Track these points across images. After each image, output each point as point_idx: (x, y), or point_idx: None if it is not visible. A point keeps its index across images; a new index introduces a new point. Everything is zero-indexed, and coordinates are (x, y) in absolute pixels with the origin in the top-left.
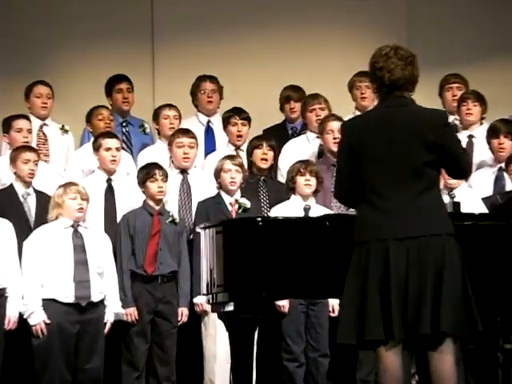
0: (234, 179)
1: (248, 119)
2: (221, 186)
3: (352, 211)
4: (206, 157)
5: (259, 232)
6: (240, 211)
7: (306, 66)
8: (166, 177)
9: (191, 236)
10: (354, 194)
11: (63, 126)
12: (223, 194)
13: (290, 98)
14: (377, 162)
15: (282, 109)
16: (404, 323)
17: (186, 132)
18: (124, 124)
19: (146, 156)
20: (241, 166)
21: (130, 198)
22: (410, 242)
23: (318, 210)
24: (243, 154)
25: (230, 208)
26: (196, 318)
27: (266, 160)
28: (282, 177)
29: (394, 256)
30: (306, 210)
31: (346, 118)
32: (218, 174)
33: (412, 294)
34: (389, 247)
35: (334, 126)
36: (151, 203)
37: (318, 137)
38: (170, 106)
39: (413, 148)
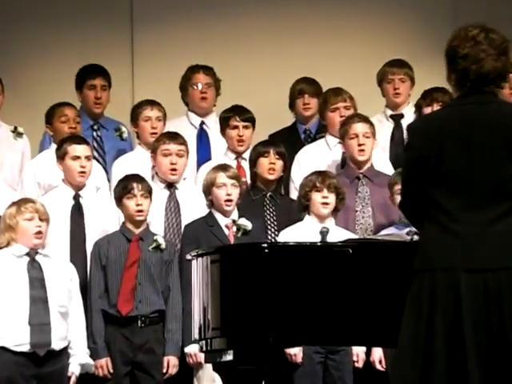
0: (230, 196)
1: (251, 120)
2: (213, 205)
3: (383, 234)
4: (198, 168)
5: (265, 261)
6: (239, 235)
7: (322, 56)
8: (148, 192)
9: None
10: (420, 212)
11: (16, 128)
12: (217, 215)
13: (303, 92)
14: (451, 176)
15: (292, 106)
16: None
17: (174, 137)
18: (95, 127)
19: (123, 166)
20: (237, 178)
21: (103, 220)
22: (487, 276)
23: (338, 234)
24: (245, 164)
25: (226, 231)
26: (188, 370)
27: (273, 171)
28: (294, 191)
29: (467, 291)
30: (324, 233)
31: (373, 119)
32: (208, 189)
33: (494, 344)
34: (460, 280)
35: (359, 128)
36: (130, 226)
37: (340, 142)
38: (153, 103)
39: (499, 159)
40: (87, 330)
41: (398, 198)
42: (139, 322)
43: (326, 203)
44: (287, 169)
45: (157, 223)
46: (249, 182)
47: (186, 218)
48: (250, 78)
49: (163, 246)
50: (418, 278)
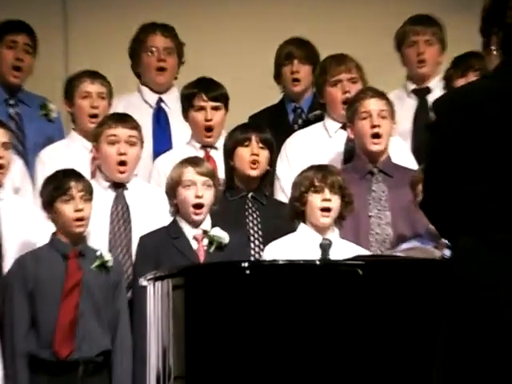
0: (201, 199)
1: (223, 99)
2: (178, 211)
3: (405, 249)
4: (154, 160)
5: (246, 286)
6: (212, 250)
7: (319, 14)
8: (89, 193)
9: (129, 292)
10: (451, 217)
11: None
12: (183, 224)
13: (292, 57)
14: (496, 170)
15: (277, 77)
16: None
17: (123, 119)
18: (12, 102)
19: (52, 158)
20: (211, 175)
21: (25, 231)
22: None
23: (344, 249)
24: (218, 156)
25: (194, 246)
26: None
27: (256, 164)
28: (282, 192)
29: None
30: (325, 248)
31: (390, 96)
32: (172, 189)
33: None
34: None
35: (373, 105)
36: (64, 238)
37: (344, 126)
38: (94, 75)
39: None
40: (5, 379)
41: None
42: (81, 368)
43: (328, 208)
44: (274, 162)
45: (98, 235)
46: (222, 179)
47: (139, 229)
48: (222, 42)
49: (110, 263)
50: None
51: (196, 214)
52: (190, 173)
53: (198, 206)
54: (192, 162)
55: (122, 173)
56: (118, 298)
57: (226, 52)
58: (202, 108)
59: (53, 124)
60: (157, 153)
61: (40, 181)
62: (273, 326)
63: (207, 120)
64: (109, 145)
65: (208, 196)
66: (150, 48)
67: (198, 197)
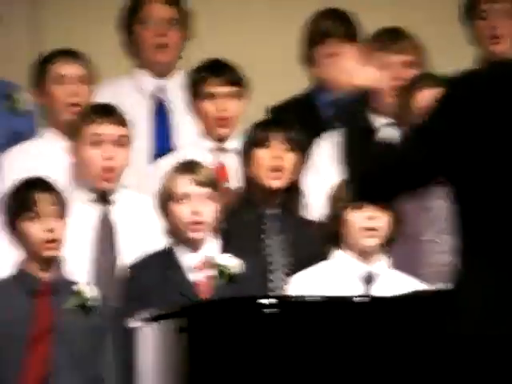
0: (198, 215)
1: (240, 84)
2: (172, 232)
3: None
4: (151, 164)
5: (265, 329)
6: (220, 282)
7: None
8: (61, 208)
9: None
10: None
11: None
12: (179, 248)
13: (328, 35)
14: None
15: (307, 60)
16: None
17: (109, 111)
18: None
19: (20, 163)
20: (212, 184)
21: None
22: None
23: (393, 282)
24: (230, 159)
25: (195, 277)
26: None
27: (279, 172)
28: (312, 209)
29: None
30: (369, 280)
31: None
32: (164, 203)
33: None
34: None
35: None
36: (32, 267)
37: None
38: (71, 55)
39: None
40: None
41: None
42: None
43: (373, 229)
44: (303, 169)
45: (76, 263)
46: (236, 189)
47: (129, 254)
48: (239, 18)
49: (92, 300)
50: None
51: (193, 231)
52: (183, 182)
53: (196, 224)
54: (187, 167)
55: (107, 181)
56: (103, 347)
57: (244, 28)
58: (214, 96)
59: (22, 118)
60: (155, 156)
61: (2, 191)
62: (301, 378)
63: (220, 109)
64: (91, 146)
65: (208, 212)
66: (147, 19)
67: (194, 213)
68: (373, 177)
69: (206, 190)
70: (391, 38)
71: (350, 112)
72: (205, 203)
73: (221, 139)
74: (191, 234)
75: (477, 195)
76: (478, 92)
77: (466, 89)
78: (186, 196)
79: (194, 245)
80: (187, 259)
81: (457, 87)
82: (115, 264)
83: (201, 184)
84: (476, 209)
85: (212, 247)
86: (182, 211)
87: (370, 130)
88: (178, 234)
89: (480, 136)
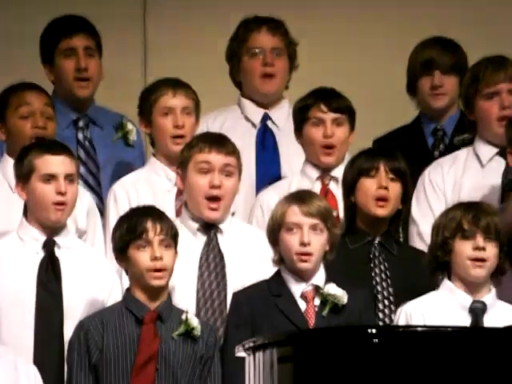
0: (308, 246)
1: (348, 112)
2: (281, 259)
3: None
4: (257, 192)
5: (373, 357)
6: (326, 313)
7: (460, 13)
8: (172, 238)
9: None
10: None
11: None
12: (287, 277)
13: (433, 66)
14: None
15: (411, 90)
16: None
17: (218, 141)
18: (81, 124)
19: (128, 192)
20: (324, 216)
21: (91, 286)
22: None
23: (502, 314)
24: (335, 187)
25: (302, 306)
26: None
27: (385, 201)
28: (419, 238)
29: None
30: (478, 312)
31: None
32: (274, 232)
33: None
34: None
35: None
36: (140, 295)
37: (501, 152)
38: (178, 85)
39: None
40: None
41: None
42: None
43: (482, 259)
44: (409, 198)
45: (184, 291)
46: (342, 218)
47: (236, 284)
48: (341, 43)
49: (198, 330)
50: None
51: (301, 261)
52: (294, 213)
53: (305, 255)
54: (298, 198)
55: (213, 210)
56: (210, 376)
57: (346, 56)
58: (322, 121)
59: (132, 149)
60: (261, 184)
61: (113, 221)
62: None
63: (327, 136)
64: (199, 174)
65: (317, 243)
66: (254, 49)
67: (303, 244)
68: None
69: (316, 222)
70: (497, 66)
71: None
72: (314, 234)
73: (328, 168)
74: (299, 265)
75: None
76: None
77: None
78: (297, 226)
79: (302, 274)
80: (296, 287)
81: None
82: (224, 292)
83: (311, 215)
84: None
85: (321, 277)
86: (291, 241)
87: None
88: (288, 264)
89: None
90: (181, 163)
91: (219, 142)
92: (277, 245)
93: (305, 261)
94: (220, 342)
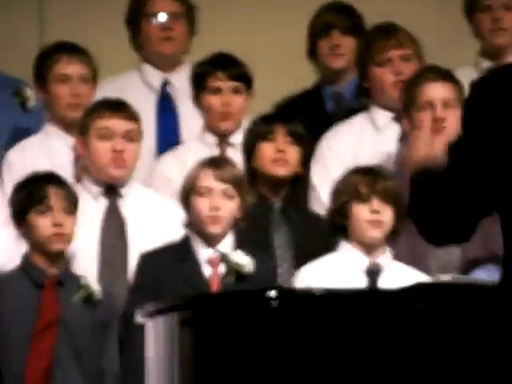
0: (219, 211)
1: (245, 79)
2: (191, 224)
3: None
4: (158, 158)
5: (273, 320)
6: (231, 279)
7: None
8: (72, 204)
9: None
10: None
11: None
12: (195, 242)
13: (331, 27)
14: None
15: (311, 53)
16: None
17: (118, 107)
18: None
19: (25, 158)
20: (236, 182)
21: None
22: None
23: (398, 275)
24: (235, 154)
25: (207, 272)
26: None
27: (284, 163)
28: (318, 202)
29: None
30: (373, 273)
31: (458, 73)
32: (185, 197)
33: None
34: None
35: (435, 92)
36: (39, 261)
37: (396, 117)
38: (74, 51)
39: None
40: None
41: None
42: None
43: (378, 221)
44: (308, 162)
45: (85, 257)
46: None
47: (138, 249)
48: (243, 11)
49: (97, 295)
50: None
51: (210, 225)
52: (206, 177)
53: (213, 218)
54: (212, 163)
55: (119, 167)
56: (108, 342)
57: (248, 24)
58: (219, 89)
59: (30, 115)
60: (161, 150)
61: (8, 187)
62: (308, 372)
63: (225, 104)
64: (100, 140)
65: (227, 208)
66: (152, 13)
67: (213, 208)
68: (433, 221)
69: (227, 186)
70: (387, 33)
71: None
72: (225, 199)
73: (224, 134)
74: (208, 229)
75: None
76: (504, 91)
77: (489, 90)
78: (208, 190)
79: (210, 239)
80: (202, 253)
81: (480, 90)
82: (125, 256)
83: (223, 180)
84: None
85: (228, 244)
86: (202, 205)
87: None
88: (196, 228)
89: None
90: (81, 129)
91: (119, 107)
92: (187, 208)
93: (214, 224)
94: (120, 307)
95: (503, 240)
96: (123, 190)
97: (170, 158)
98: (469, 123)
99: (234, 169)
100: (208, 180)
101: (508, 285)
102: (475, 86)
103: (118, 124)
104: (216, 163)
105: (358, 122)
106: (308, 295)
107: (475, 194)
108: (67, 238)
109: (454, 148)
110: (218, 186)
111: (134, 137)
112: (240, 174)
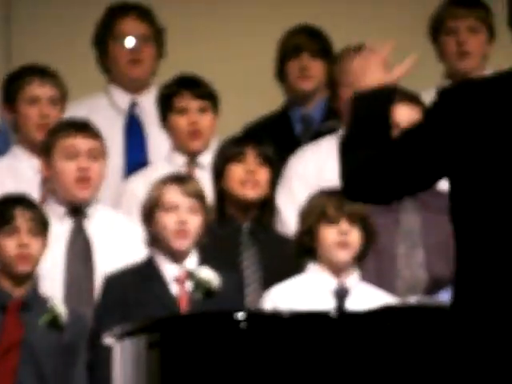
0: (186, 225)
1: (211, 98)
2: (155, 242)
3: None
4: (126, 180)
5: (241, 344)
6: (198, 296)
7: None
8: (41, 224)
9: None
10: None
11: None
12: (160, 260)
13: (301, 49)
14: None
15: (280, 76)
16: None
17: (82, 127)
18: None
19: None
20: (200, 197)
21: None
22: None
23: (365, 296)
24: (203, 174)
25: (174, 290)
26: None
27: (254, 185)
28: (283, 225)
29: None
30: (341, 295)
31: (424, 95)
32: (149, 214)
33: None
34: None
35: (401, 115)
36: (5, 283)
37: None
38: (43, 73)
39: None
40: None
41: None
42: None
43: (346, 243)
44: (276, 185)
45: (51, 278)
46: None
47: (103, 268)
48: (211, 32)
49: (62, 318)
50: None
51: (178, 240)
52: (172, 193)
53: (181, 233)
54: (176, 179)
55: (84, 189)
56: (75, 366)
57: (216, 47)
58: (185, 109)
59: None
60: (129, 171)
61: None
62: None
63: (192, 122)
64: (66, 160)
65: (194, 223)
66: (121, 36)
67: (181, 223)
68: (364, 178)
69: (194, 201)
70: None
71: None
72: (191, 214)
73: (193, 154)
74: (176, 244)
75: (471, 206)
76: (470, 99)
77: (457, 97)
78: (175, 205)
79: (176, 256)
80: (169, 271)
81: (447, 96)
82: (91, 278)
83: (189, 195)
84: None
85: (193, 261)
86: (169, 220)
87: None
88: (162, 245)
89: (473, 143)
90: (45, 150)
91: (83, 126)
92: (150, 225)
93: (181, 239)
94: (88, 330)
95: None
96: (89, 211)
97: (138, 178)
98: (432, 124)
99: (197, 184)
100: (174, 195)
101: (459, 304)
102: (444, 92)
103: (82, 142)
104: (180, 179)
105: (326, 143)
106: (276, 317)
107: (415, 170)
108: (33, 260)
109: (411, 132)
110: (184, 201)
111: (98, 155)
112: (202, 189)
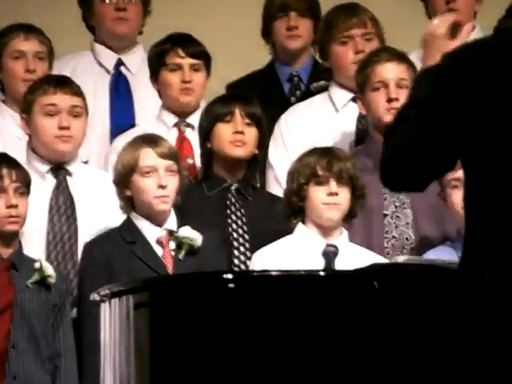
0: (165, 188)
1: (204, 57)
2: (133, 206)
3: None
4: (112, 140)
5: (229, 302)
6: (183, 255)
7: None
8: (25, 185)
9: (74, 312)
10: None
11: None
12: (141, 222)
13: (287, 9)
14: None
15: (267, 34)
16: None
17: (62, 82)
18: None
19: None
20: (174, 157)
21: None
22: None
23: (354, 256)
24: (192, 135)
25: (158, 251)
26: None
27: (241, 144)
28: (275, 183)
29: None
30: (330, 255)
31: (412, 57)
32: (125, 177)
33: None
34: None
35: (390, 72)
36: None
37: (355, 98)
38: (29, 30)
39: None
40: None
41: (455, 194)
42: None
43: (335, 203)
44: (265, 144)
45: (33, 237)
46: (199, 165)
47: (87, 230)
48: None
49: (52, 278)
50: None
51: (161, 203)
52: (149, 156)
53: (162, 197)
54: (150, 141)
55: (65, 142)
56: (61, 324)
57: (202, 5)
58: (179, 67)
59: None
60: (115, 132)
61: None
62: (264, 353)
63: (184, 81)
64: (46, 117)
65: (173, 185)
66: None
67: (161, 187)
68: (394, 167)
69: (170, 163)
70: (350, 12)
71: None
72: (169, 176)
73: (184, 112)
74: (157, 207)
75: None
76: (477, 61)
77: (463, 59)
78: (153, 169)
79: (158, 219)
80: (150, 233)
81: (454, 58)
82: (74, 237)
83: (165, 157)
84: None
85: (173, 221)
86: (148, 184)
87: None
88: (141, 208)
89: (483, 107)
90: (24, 107)
91: (63, 83)
92: (127, 190)
93: (163, 203)
94: (73, 291)
95: (465, 208)
96: (71, 168)
97: (127, 137)
98: (441, 86)
99: (170, 144)
100: (151, 159)
101: (468, 263)
102: (451, 54)
103: (62, 100)
104: (154, 141)
105: (318, 101)
106: (264, 277)
107: (441, 148)
108: (21, 220)
109: (423, 105)
110: (162, 163)
111: (79, 112)
112: (176, 149)
